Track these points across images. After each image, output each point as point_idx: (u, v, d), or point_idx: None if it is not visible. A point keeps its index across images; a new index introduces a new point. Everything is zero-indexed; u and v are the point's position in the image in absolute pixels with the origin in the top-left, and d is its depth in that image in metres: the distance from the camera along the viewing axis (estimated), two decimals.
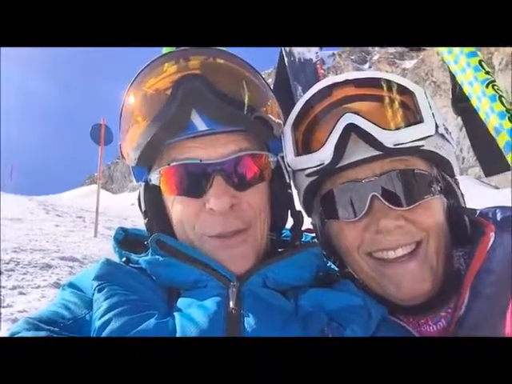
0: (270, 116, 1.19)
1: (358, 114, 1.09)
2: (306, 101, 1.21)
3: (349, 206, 1.15)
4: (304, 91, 2.20)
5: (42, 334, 0.93)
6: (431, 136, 1.12)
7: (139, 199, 1.22)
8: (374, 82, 1.17)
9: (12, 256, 6.17)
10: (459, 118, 1.47)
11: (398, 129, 1.09)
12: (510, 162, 1.10)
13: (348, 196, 1.15)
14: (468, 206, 1.29)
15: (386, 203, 1.10)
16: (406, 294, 1.15)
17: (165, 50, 1.22)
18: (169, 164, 1.09)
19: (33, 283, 5.21)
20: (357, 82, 1.18)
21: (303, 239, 1.35)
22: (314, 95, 1.21)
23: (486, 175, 1.24)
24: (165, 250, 1.10)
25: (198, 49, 1.16)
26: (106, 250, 7.87)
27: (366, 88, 1.17)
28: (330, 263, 1.33)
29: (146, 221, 1.21)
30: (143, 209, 1.21)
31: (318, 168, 1.14)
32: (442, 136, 1.18)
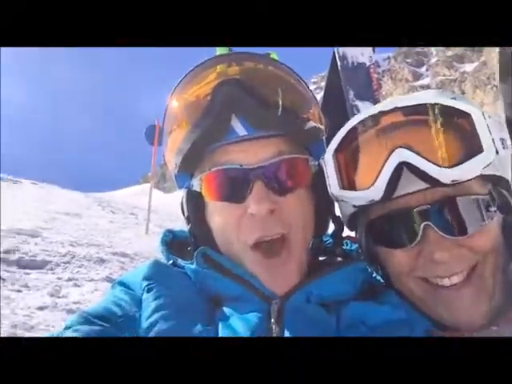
0: (312, 121, 1.17)
1: (411, 149, 1.01)
2: (351, 128, 1.13)
3: (399, 234, 1.10)
4: (356, 96, 2.16)
5: (95, 328, 0.97)
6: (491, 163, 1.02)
7: (182, 205, 1.23)
8: (424, 108, 1.06)
9: (69, 249, 6.50)
10: None
11: (456, 164, 1.00)
12: None
13: (399, 224, 1.09)
14: None
15: (440, 233, 1.04)
16: (462, 320, 1.08)
17: (218, 50, 1.23)
18: (210, 169, 1.10)
19: (87, 276, 5.46)
20: (406, 109, 1.07)
21: (347, 247, 1.32)
22: (359, 122, 1.12)
23: None
24: (210, 263, 1.10)
25: (239, 54, 1.17)
26: (156, 247, 8.10)
27: (415, 114, 1.07)
28: (375, 274, 1.28)
29: (189, 226, 1.21)
30: (186, 214, 1.21)
31: (368, 203, 1.09)
32: (500, 155, 1.10)
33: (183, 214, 1.23)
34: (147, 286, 1.08)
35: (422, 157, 1.00)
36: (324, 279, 1.09)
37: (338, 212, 1.28)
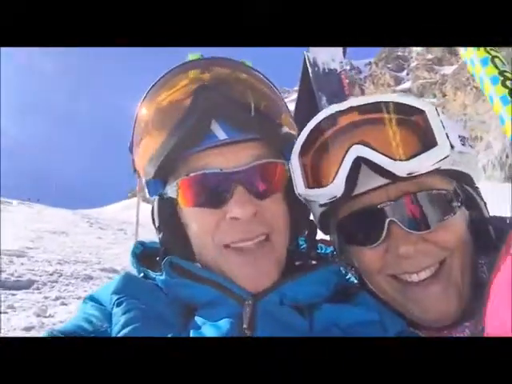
0: (285, 126, 1.19)
1: (366, 144, 1.04)
2: (312, 129, 1.15)
3: (366, 232, 1.12)
4: (328, 101, 2.20)
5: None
6: (447, 157, 1.05)
7: (152, 214, 1.20)
8: (379, 106, 1.09)
9: (56, 267, 6.43)
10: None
11: (410, 158, 1.03)
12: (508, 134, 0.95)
13: (365, 222, 1.12)
14: None
15: (405, 228, 1.06)
16: (432, 317, 1.10)
17: (190, 56, 1.22)
18: (187, 175, 1.08)
19: (74, 294, 5.40)
20: (361, 108, 1.11)
21: (322, 251, 1.33)
22: (319, 123, 1.15)
23: None
24: (179, 271, 1.09)
25: (211, 60, 1.17)
26: None
27: (371, 113, 1.11)
28: (349, 276, 1.30)
29: (160, 236, 1.18)
30: (157, 224, 1.18)
31: (331, 200, 1.11)
32: (459, 151, 1.13)
33: (154, 224, 1.20)
34: (117, 300, 1.06)
35: (377, 151, 1.03)
36: (298, 281, 1.09)
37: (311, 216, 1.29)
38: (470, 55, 1.03)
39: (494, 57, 0.93)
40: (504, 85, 0.88)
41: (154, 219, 1.19)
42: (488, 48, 0.97)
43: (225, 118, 1.06)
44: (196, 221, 1.11)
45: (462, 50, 1.07)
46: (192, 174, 1.07)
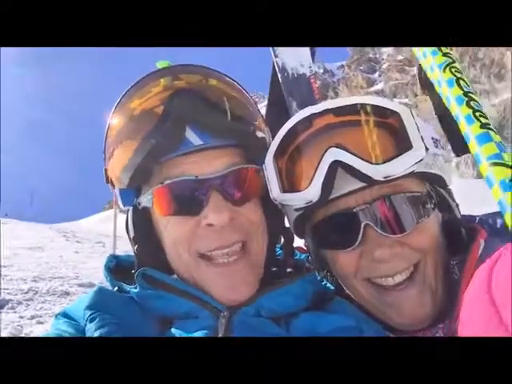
0: (260, 132, 1.19)
1: (343, 147, 1.03)
2: (287, 132, 1.14)
3: (342, 236, 1.11)
4: (299, 106, 2.20)
5: None
6: (422, 160, 1.06)
7: (127, 225, 1.18)
8: (355, 108, 1.09)
9: (31, 285, 6.26)
10: None
11: (386, 161, 1.03)
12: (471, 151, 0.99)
13: (340, 226, 1.11)
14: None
15: (380, 231, 1.06)
16: (408, 320, 1.11)
17: (159, 64, 1.21)
18: (162, 183, 1.06)
19: (51, 311, 5.26)
20: (337, 111, 1.10)
21: (297, 257, 1.33)
22: (294, 126, 1.14)
23: (456, 154, 1.15)
24: (153, 283, 1.07)
25: (181, 67, 1.16)
26: None
27: (346, 115, 1.10)
28: (325, 282, 1.30)
29: (135, 248, 1.16)
30: (132, 235, 1.16)
31: (307, 205, 1.10)
32: (433, 153, 1.14)
33: (128, 235, 1.17)
34: (90, 315, 1.03)
35: (353, 155, 1.02)
36: (275, 293, 1.08)
37: (287, 223, 1.29)
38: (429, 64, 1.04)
39: (458, 78, 0.95)
40: (468, 105, 0.91)
41: (128, 230, 1.17)
42: (452, 69, 0.98)
43: (199, 124, 1.05)
44: (171, 229, 1.09)
45: (421, 58, 1.08)
46: (167, 182, 1.05)
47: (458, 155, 1.14)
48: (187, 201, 1.06)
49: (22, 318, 4.98)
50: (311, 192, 1.06)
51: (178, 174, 1.06)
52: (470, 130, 0.85)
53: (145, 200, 1.11)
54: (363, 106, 1.08)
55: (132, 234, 1.15)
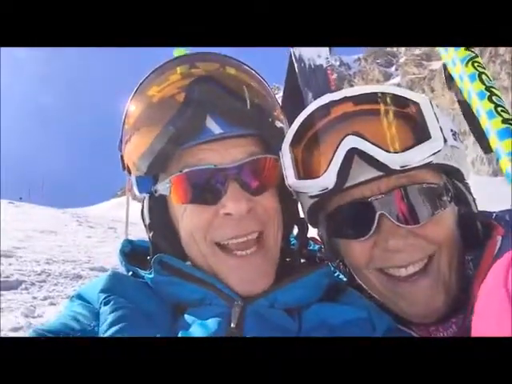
0: (278, 121, 1.18)
1: (360, 135, 1.02)
2: (304, 119, 1.13)
3: (356, 225, 1.11)
4: (315, 97, 2.18)
5: None
6: (440, 151, 1.04)
7: (142, 212, 1.18)
8: (374, 97, 1.08)
9: (44, 267, 6.37)
10: None
11: (404, 150, 1.01)
12: (491, 146, 0.98)
13: (354, 215, 1.10)
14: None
15: (395, 222, 1.05)
16: (420, 312, 1.10)
17: (176, 52, 1.21)
18: (181, 171, 1.05)
19: (63, 294, 5.36)
20: (356, 99, 1.09)
21: (312, 248, 1.33)
22: (311, 113, 1.12)
23: (485, 152, 1.13)
24: (168, 270, 1.08)
25: (199, 55, 1.16)
26: None
27: (365, 104, 1.08)
28: (338, 274, 1.30)
29: (150, 234, 1.16)
30: (147, 222, 1.16)
31: (322, 192, 1.09)
32: (451, 145, 1.13)
33: (143, 222, 1.18)
34: (104, 298, 1.04)
35: (371, 143, 1.01)
36: (290, 286, 1.08)
37: (302, 214, 1.28)
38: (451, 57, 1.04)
39: (481, 73, 0.94)
40: (490, 100, 0.90)
41: (143, 217, 1.17)
42: (475, 64, 0.97)
43: (220, 112, 1.04)
44: (188, 218, 1.09)
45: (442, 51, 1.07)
46: (186, 170, 1.05)
47: (486, 153, 1.12)
48: (205, 189, 1.06)
49: (34, 298, 5.08)
50: (327, 179, 1.05)
51: (197, 162, 1.05)
52: (490, 125, 0.85)
53: (162, 188, 1.11)
54: (383, 94, 1.07)
55: (148, 220, 1.15)
